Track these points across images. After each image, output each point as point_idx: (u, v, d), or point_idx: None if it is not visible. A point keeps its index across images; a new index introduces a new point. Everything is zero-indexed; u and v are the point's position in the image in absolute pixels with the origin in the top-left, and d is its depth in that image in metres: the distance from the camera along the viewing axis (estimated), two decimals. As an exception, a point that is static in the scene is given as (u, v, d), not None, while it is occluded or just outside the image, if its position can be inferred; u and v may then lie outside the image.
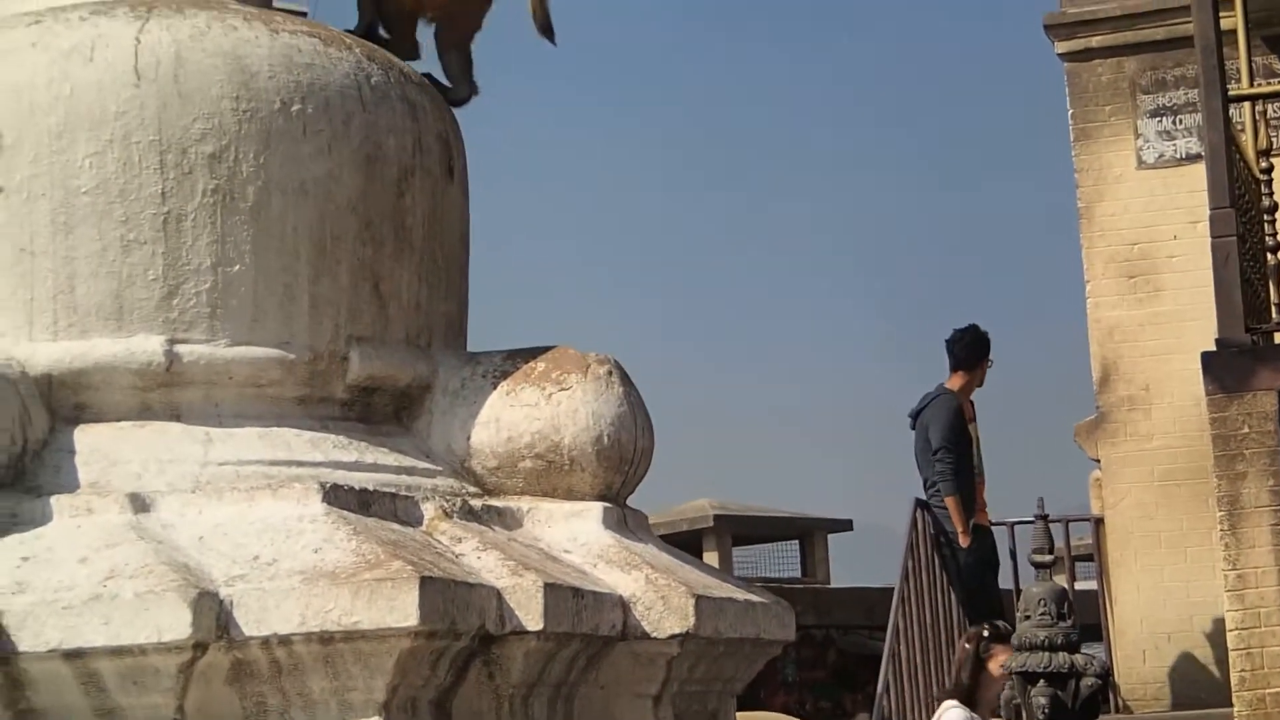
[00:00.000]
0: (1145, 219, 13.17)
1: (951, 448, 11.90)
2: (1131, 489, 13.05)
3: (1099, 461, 13.25)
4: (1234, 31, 10.73)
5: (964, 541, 11.64)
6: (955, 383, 12.08)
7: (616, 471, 6.87)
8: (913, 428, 11.97)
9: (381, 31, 7.59)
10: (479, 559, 6.21)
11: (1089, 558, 15.12)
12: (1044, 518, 10.50)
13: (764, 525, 20.95)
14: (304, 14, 7.91)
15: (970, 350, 12.15)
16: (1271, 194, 10.69)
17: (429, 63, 7.60)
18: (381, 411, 6.90)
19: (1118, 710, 12.99)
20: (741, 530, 20.54)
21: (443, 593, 5.74)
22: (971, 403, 12.14)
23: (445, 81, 7.51)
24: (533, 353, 6.98)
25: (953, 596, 12.03)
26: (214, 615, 5.67)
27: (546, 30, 7.46)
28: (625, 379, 6.95)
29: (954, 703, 9.07)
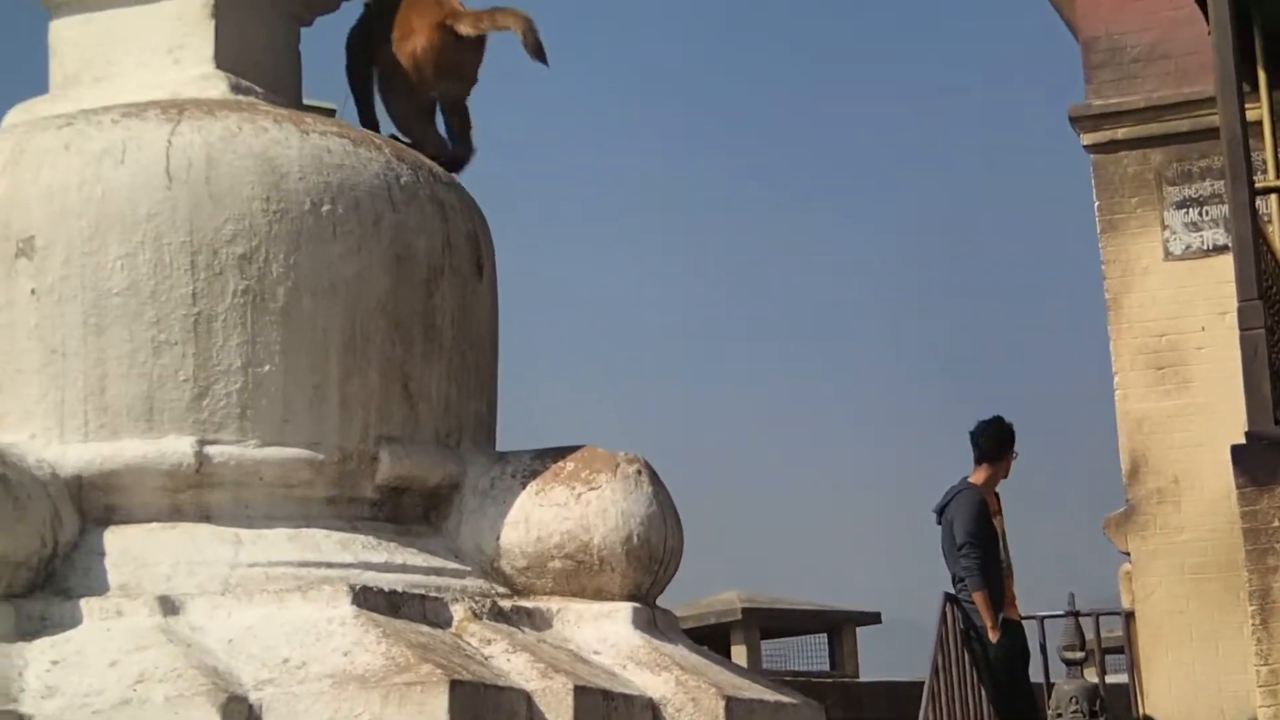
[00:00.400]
0: (1173, 310, 13.12)
1: (977, 543, 11.80)
2: (1162, 582, 12.95)
3: (1129, 554, 13.15)
4: (1260, 123, 10.72)
5: (993, 636, 11.54)
6: (979, 476, 12.00)
7: (646, 571, 6.85)
8: (939, 523, 11.88)
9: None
10: (509, 661, 6.18)
11: (1120, 650, 14.98)
12: (1075, 614, 10.43)
13: (792, 618, 20.83)
14: (334, 110, 7.94)
15: (994, 442, 12.06)
16: (1299, 286, 10.65)
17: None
18: (411, 511, 6.89)
19: (1150, 805, 12.85)
20: (770, 623, 20.43)
21: (473, 696, 5.71)
22: (997, 495, 12.05)
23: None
24: (562, 452, 6.97)
25: (983, 691, 11.93)
26: (243, 719, 5.64)
27: (539, 54, 7.42)
28: (654, 478, 6.94)
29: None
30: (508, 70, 7.62)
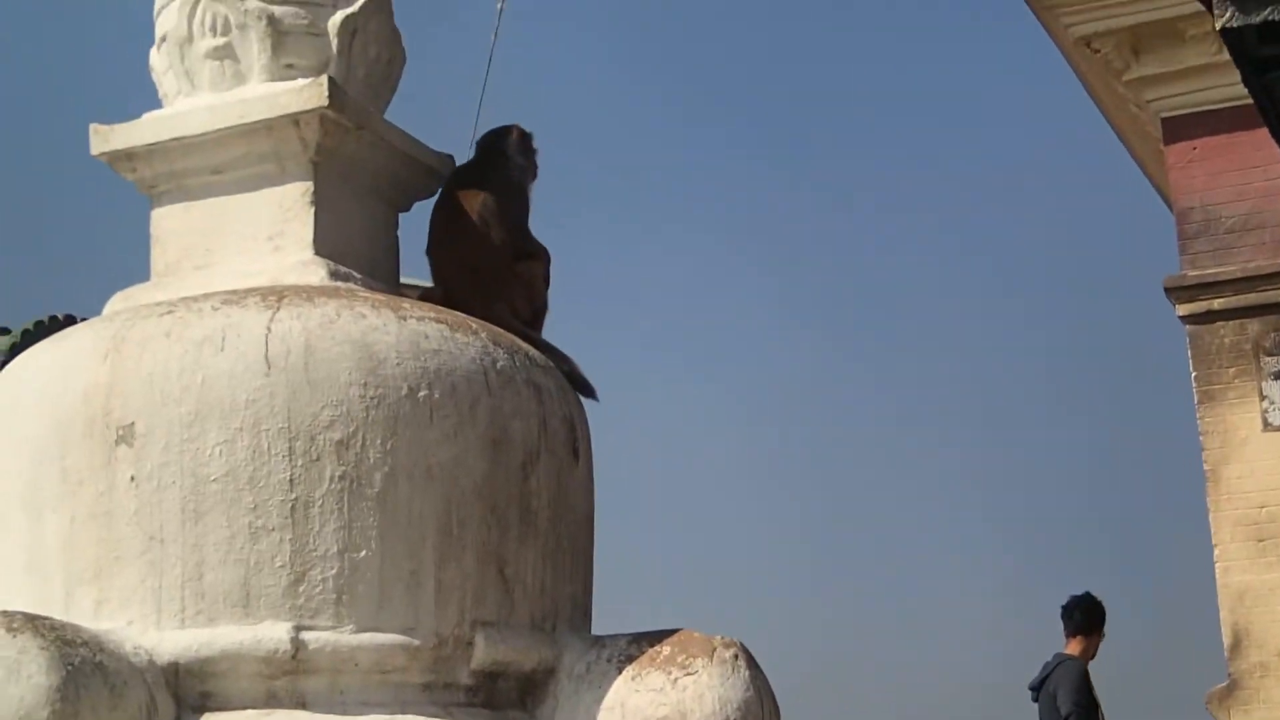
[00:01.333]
0: (1273, 481, 12.97)
1: (1083, 712, 11.69)
2: (1266, 757, 12.72)
3: (1232, 729, 12.95)
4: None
5: (1099, 801, 11.38)
6: (1075, 648, 11.90)
7: (744, 758, 6.76)
8: (1035, 699, 11.76)
9: None
10: None
11: (1223, 825, 14.71)
12: (1179, 792, 10.23)
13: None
14: (428, 287, 8.00)
15: (1089, 616, 12.00)
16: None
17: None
18: (506, 697, 6.84)
19: None
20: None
21: None
22: (1088, 672, 11.94)
23: None
24: (658, 636, 6.92)
25: None
26: None
27: (587, 390, 7.53)
28: (752, 662, 6.87)
29: None
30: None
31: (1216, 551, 13.22)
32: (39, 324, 9.61)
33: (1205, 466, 13.28)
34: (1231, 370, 13.31)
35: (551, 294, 7.78)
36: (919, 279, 32.67)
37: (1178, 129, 13.89)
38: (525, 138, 7.80)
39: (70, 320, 9.46)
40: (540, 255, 7.73)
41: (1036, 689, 11.69)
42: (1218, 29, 9.43)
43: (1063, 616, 11.87)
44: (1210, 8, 9.43)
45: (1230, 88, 12.39)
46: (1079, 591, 11.91)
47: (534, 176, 7.83)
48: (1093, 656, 11.85)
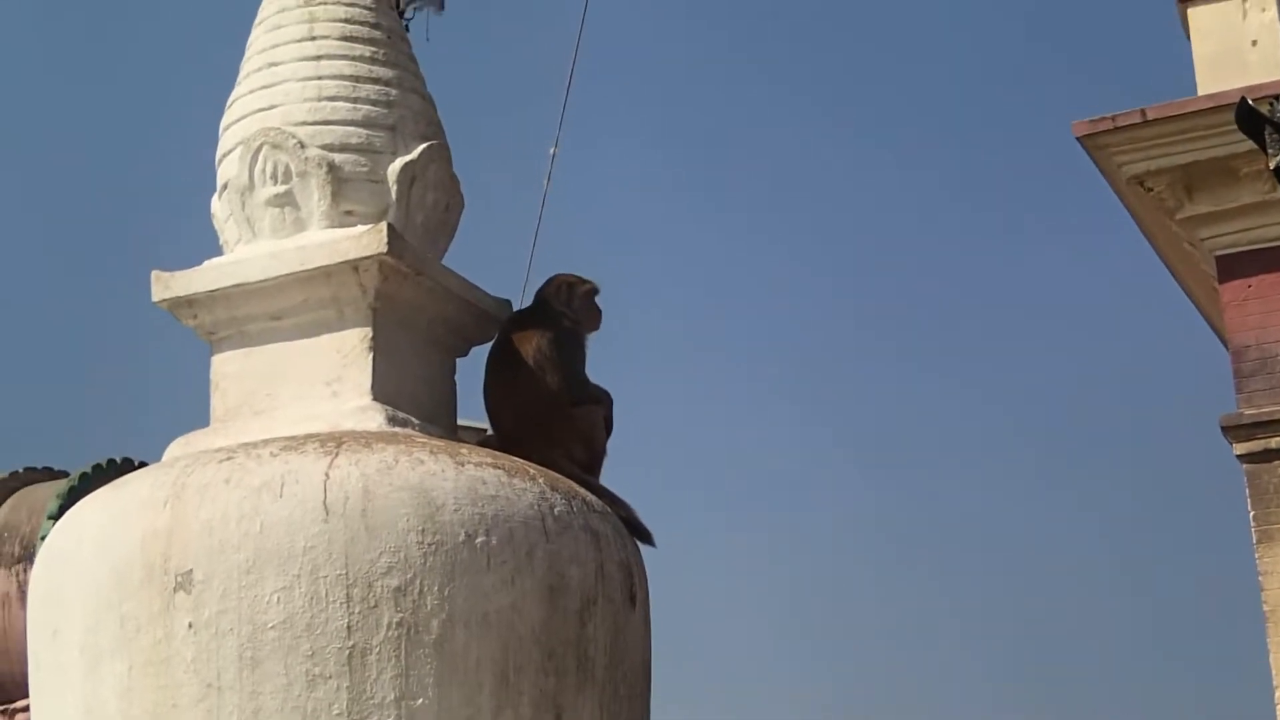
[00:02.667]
0: (1333, 622, 12.86)
1: None
2: None
3: None
4: None
5: None
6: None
7: None
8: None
9: None
10: None
11: None
12: None
13: None
14: (485, 429, 8.02)
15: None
16: None
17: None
18: (561, 847, 6.78)
19: None
20: None
21: None
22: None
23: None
24: (716, 784, 6.86)
25: None
26: None
27: (645, 537, 7.53)
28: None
29: None
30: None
31: (1277, 694, 13.08)
32: (97, 467, 9.64)
33: (1265, 607, 13.18)
34: (1290, 509, 13.22)
35: (612, 438, 7.78)
36: (975, 421, 32.61)
37: (1232, 267, 13.90)
38: (583, 288, 7.84)
39: (129, 464, 9.50)
40: (601, 399, 7.74)
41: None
42: (1271, 167, 9.48)
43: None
44: (1264, 147, 9.48)
45: (1284, 226, 12.38)
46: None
47: (594, 326, 7.86)
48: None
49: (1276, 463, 13.15)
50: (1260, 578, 13.09)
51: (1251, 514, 13.22)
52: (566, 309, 7.82)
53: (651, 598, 7.39)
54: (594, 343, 7.92)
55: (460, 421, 7.96)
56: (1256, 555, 13.14)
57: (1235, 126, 9.70)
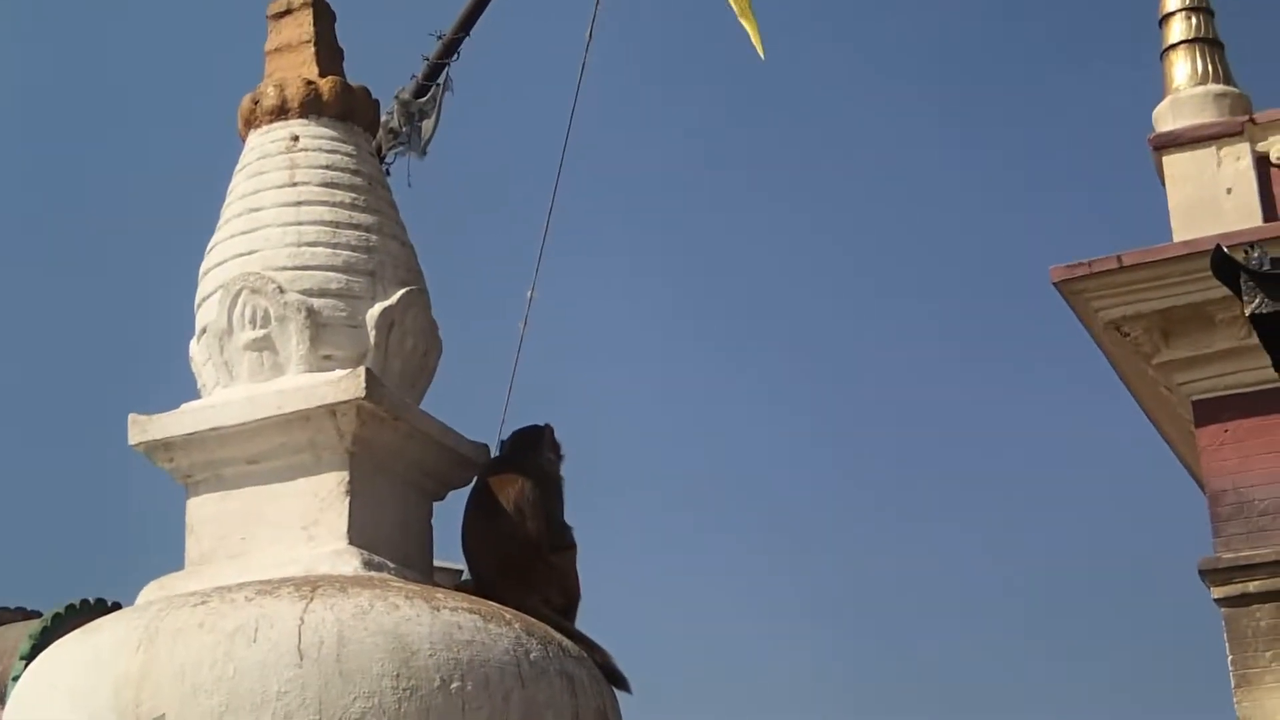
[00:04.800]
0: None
1: None
2: None
3: None
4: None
5: None
6: None
7: None
8: None
9: None
10: None
11: None
12: None
13: None
14: (460, 571, 8.01)
15: None
16: None
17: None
18: None
19: None
20: None
21: None
22: None
23: None
24: None
25: None
26: None
27: (620, 682, 7.52)
28: None
29: None
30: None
31: (1258, 841, 13.01)
32: (70, 608, 9.59)
33: (1245, 753, 13.12)
34: (1269, 654, 13.21)
35: (585, 584, 7.79)
36: (955, 570, 32.56)
37: (1209, 411, 13.96)
38: (554, 437, 7.89)
39: (102, 605, 9.44)
40: (573, 547, 7.75)
41: None
42: (1247, 314, 9.55)
43: None
44: (1239, 294, 9.55)
45: (1260, 371, 12.47)
46: None
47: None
48: None
49: (1254, 607, 13.14)
50: (1239, 724, 13.04)
51: (1230, 658, 13.19)
52: (552, 455, 7.86)
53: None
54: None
55: (436, 563, 7.95)
56: (1235, 700, 13.10)
57: (1211, 273, 9.79)
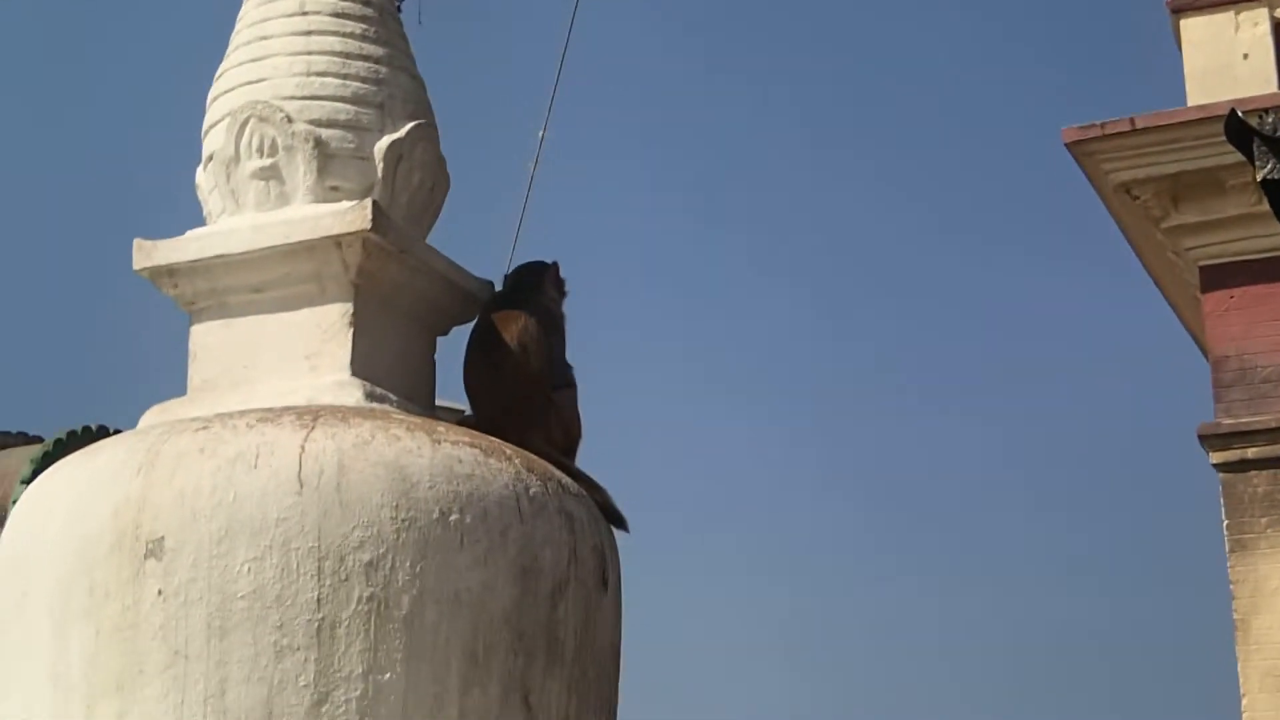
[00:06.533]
0: (1304, 633, 12.89)
1: None
2: None
3: None
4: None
5: None
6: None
7: None
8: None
9: None
10: None
11: None
12: None
13: None
14: (463, 411, 8.02)
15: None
16: None
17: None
18: (525, 828, 6.79)
19: None
20: None
21: None
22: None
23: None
24: (680, 770, 6.87)
25: None
26: None
27: (619, 522, 7.53)
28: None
29: None
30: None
31: (1244, 702, 13.13)
32: (72, 434, 9.61)
33: (1235, 616, 13.22)
34: (1264, 520, 13.27)
35: (589, 425, 7.80)
36: (949, 429, 32.65)
37: (1215, 278, 13.94)
38: (558, 274, 7.86)
39: (104, 431, 9.47)
40: (575, 385, 7.75)
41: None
42: (1258, 180, 9.50)
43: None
44: (1251, 159, 9.50)
45: (1269, 238, 12.45)
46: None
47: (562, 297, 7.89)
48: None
49: (1252, 473, 13.19)
50: (1232, 586, 13.13)
51: (1225, 523, 13.25)
52: (556, 292, 7.84)
53: (624, 583, 7.40)
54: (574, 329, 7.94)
55: (439, 403, 7.96)
56: (1229, 564, 13.18)
57: (1224, 138, 9.73)
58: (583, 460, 7.77)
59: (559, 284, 7.87)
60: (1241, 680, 13.10)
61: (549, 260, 7.91)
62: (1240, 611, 13.14)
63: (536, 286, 7.83)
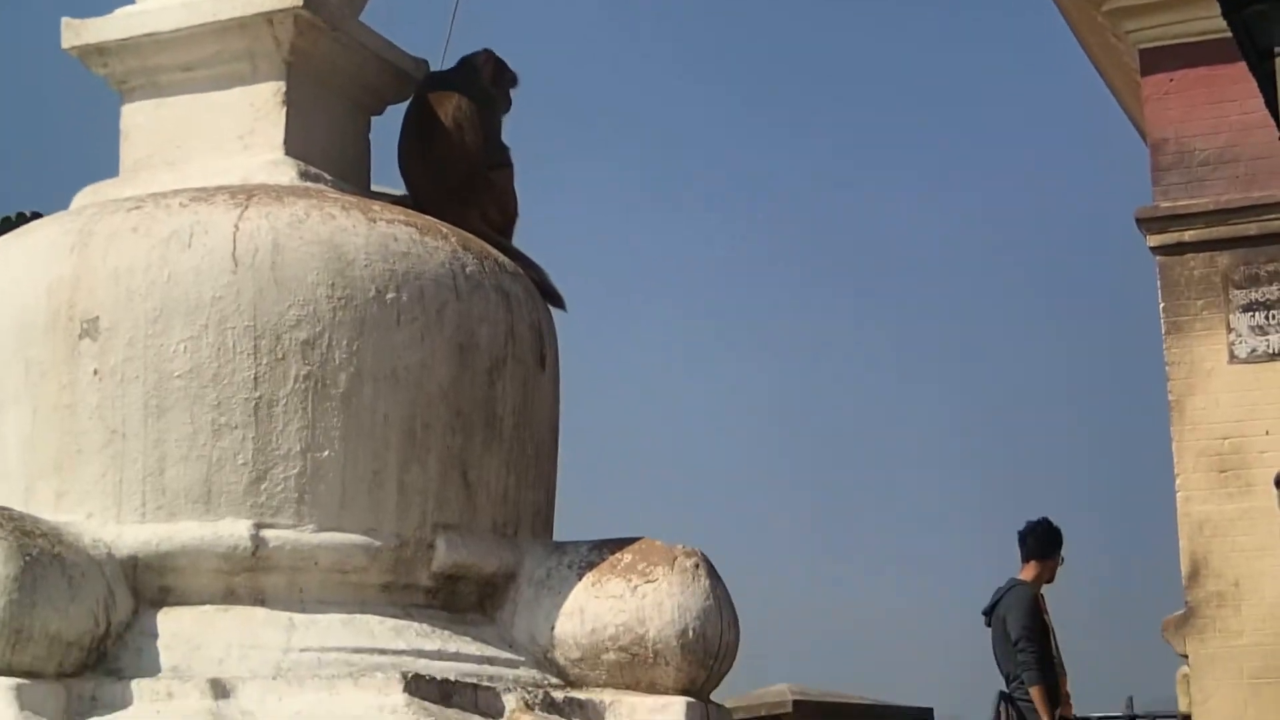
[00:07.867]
0: (1237, 414, 13.00)
1: (1032, 637, 11.72)
2: (1220, 686, 12.79)
3: (1187, 658, 13.01)
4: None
5: (1050, 731, 11.43)
6: (1028, 574, 11.92)
7: (701, 666, 6.80)
8: (988, 624, 11.80)
9: None
10: (559, 753, 6.15)
11: (1177, 752, 14.81)
12: (1132, 716, 10.32)
13: (844, 712, 20.68)
14: (404, 195, 7.99)
15: (1042, 542, 11.98)
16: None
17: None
18: (465, 600, 6.87)
19: None
20: (821, 716, 20.28)
21: (524, 789, 5.67)
22: (1042, 596, 11.98)
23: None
24: (619, 544, 6.95)
25: (1037, 791, 11.81)
26: (292, 807, 5.62)
27: (556, 300, 7.52)
28: (712, 572, 6.91)
29: None
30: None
31: (1178, 481, 13.26)
32: (5, 220, 9.57)
33: (1170, 397, 13.31)
34: (1200, 302, 13.32)
35: (523, 203, 7.77)
36: (889, 211, 32.69)
37: (1155, 60, 13.86)
38: (499, 63, 7.78)
39: (37, 218, 9.41)
40: (510, 165, 7.72)
41: (988, 614, 11.72)
42: (1198, -41, 9.45)
43: (1018, 542, 11.90)
44: (1191, -63, 9.44)
45: (1209, 20, 12.35)
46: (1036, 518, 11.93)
47: (507, 107, 7.82)
48: (1048, 581, 11.86)
49: (1188, 256, 13.20)
50: (1167, 368, 13.23)
51: (1161, 305, 13.30)
52: (496, 75, 7.77)
53: (561, 361, 7.42)
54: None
55: (375, 188, 7.91)
56: (1165, 346, 13.25)
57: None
58: (519, 240, 7.77)
59: (501, 69, 7.79)
60: (1176, 460, 13.23)
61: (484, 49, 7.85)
62: (1175, 393, 13.24)
63: (473, 69, 7.76)
